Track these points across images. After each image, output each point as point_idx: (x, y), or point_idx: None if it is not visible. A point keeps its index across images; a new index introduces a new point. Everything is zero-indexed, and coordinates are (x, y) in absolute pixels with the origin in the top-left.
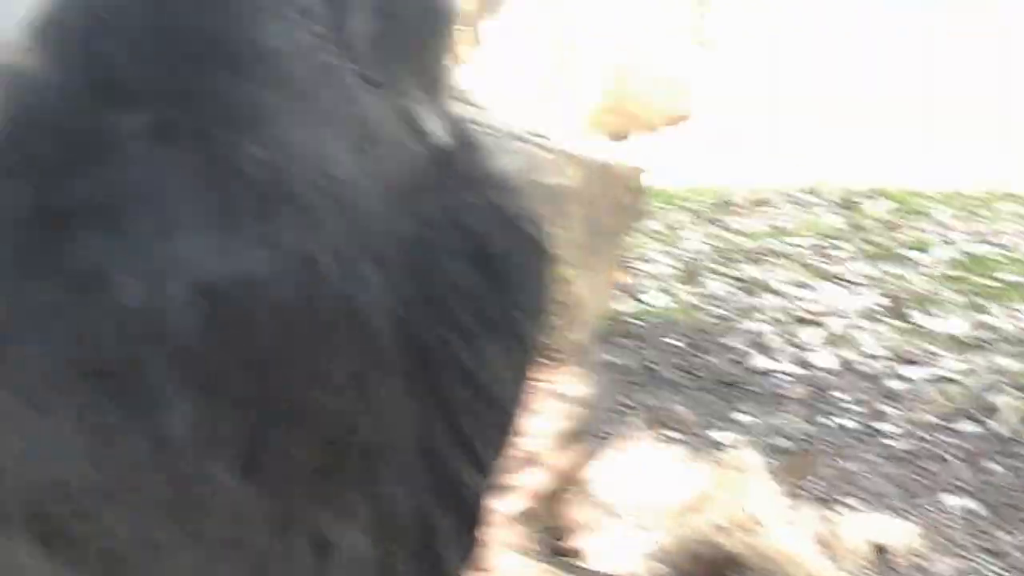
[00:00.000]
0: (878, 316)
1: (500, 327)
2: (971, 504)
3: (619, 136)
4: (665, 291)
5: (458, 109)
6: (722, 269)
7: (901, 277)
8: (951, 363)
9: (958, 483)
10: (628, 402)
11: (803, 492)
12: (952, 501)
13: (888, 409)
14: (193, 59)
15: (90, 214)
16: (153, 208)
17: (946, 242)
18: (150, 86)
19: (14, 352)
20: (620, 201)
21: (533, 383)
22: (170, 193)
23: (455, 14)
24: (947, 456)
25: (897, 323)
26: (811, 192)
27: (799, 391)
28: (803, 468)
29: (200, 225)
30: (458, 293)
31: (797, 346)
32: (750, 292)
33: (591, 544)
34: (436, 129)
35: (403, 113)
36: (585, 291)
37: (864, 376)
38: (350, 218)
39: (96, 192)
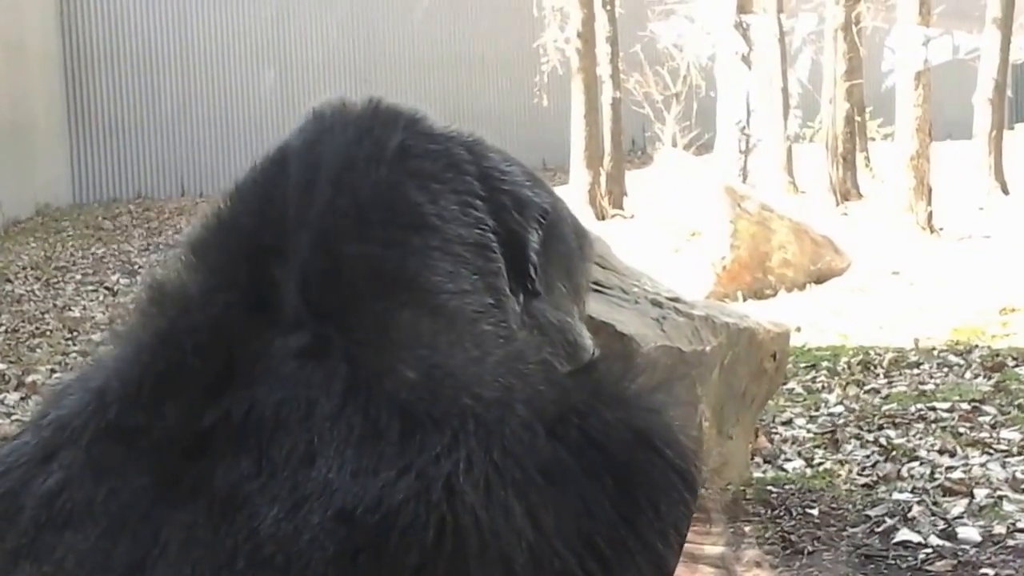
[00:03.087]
0: None
1: (638, 555)
2: None
3: (762, 294)
4: (804, 457)
5: (603, 278)
6: (864, 434)
7: None
8: None
9: None
10: (763, 575)
11: None
12: None
13: None
14: (356, 286)
15: (236, 435)
16: (297, 430)
17: None
18: (311, 309)
19: None
20: (761, 366)
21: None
22: (316, 415)
23: (593, 249)
24: None
25: None
26: (956, 352)
27: (944, 566)
28: None
29: (342, 448)
30: (596, 520)
31: (942, 517)
32: (893, 459)
33: None
34: (588, 344)
35: (560, 327)
36: (722, 456)
37: (1012, 551)
38: (495, 442)
39: (244, 413)
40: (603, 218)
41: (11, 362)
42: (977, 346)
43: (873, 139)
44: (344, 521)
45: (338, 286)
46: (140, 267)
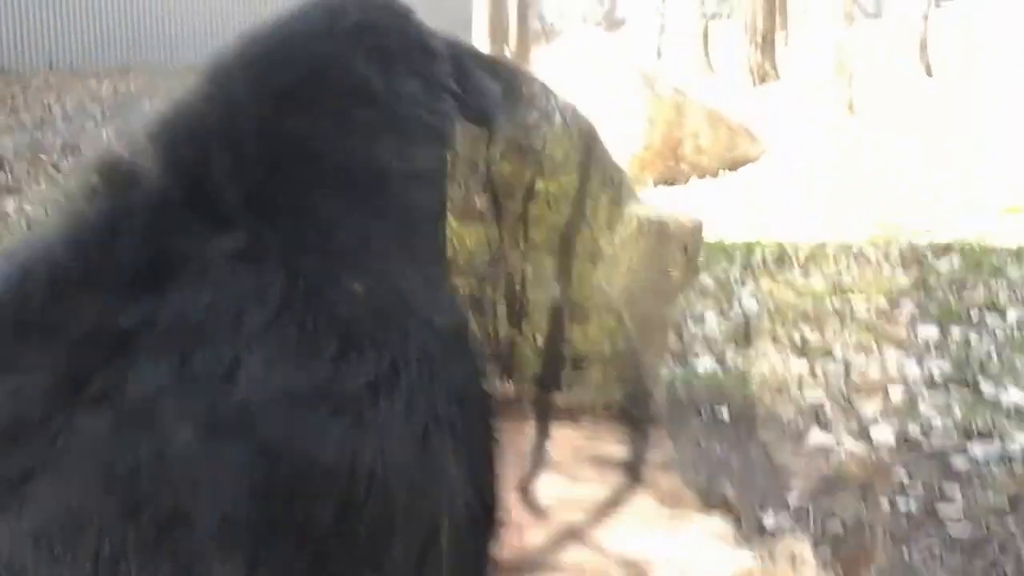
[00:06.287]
0: (943, 385)
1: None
2: None
3: (673, 181)
4: (715, 355)
5: None
6: (777, 331)
7: (969, 342)
8: (1021, 438)
9: None
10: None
11: None
12: None
13: (951, 490)
14: (302, 179)
15: (157, 339)
16: (222, 339)
17: (1019, 303)
18: (251, 206)
19: (48, 489)
20: (673, 259)
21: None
22: (245, 325)
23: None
24: (1015, 543)
25: (964, 393)
26: (876, 246)
27: (856, 467)
28: (859, 564)
29: (270, 366)
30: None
31: (856, 418)
32: (807, 357)
33: None
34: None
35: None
36: (631, 351)
37: (926, 453)
38: (440, 387)
39: (167, 315)
40: None
41: None
42: (896, 239)
43: (789, 16)
44: (264, 454)
45: (277, 174)
46: (1, 148)
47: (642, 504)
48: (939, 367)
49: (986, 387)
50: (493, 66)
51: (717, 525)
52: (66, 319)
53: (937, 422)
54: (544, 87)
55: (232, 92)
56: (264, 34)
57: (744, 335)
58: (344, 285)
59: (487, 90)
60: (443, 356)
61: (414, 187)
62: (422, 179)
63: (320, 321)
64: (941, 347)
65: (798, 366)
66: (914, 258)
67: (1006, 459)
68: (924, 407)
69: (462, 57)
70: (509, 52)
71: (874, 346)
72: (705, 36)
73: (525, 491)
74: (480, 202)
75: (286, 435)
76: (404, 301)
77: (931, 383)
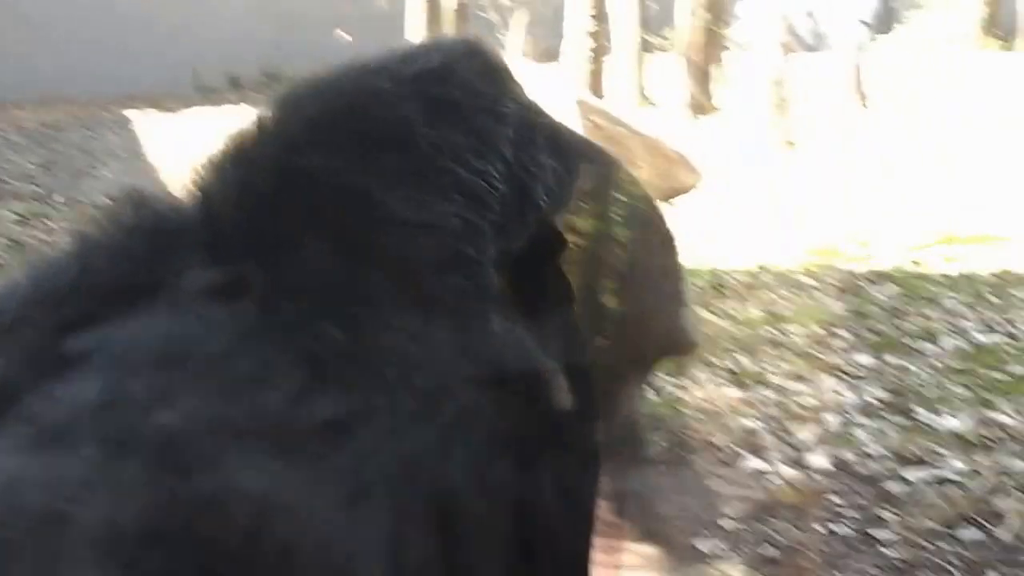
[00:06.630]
0: (878, 412)
1: None
2: None
3: None
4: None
5: None
6: (712, 359)
7: (905, 369)
8: (955, 464)
9: None
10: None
11: None
12: None
13: (886, 514)
14: (299, 215)
15: (101, 364)
16: (167, 369)
17: (954, 331)
18: (241, 235)
19: None
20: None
21: None
22: (193, 355)
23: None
24: (948, 566)
25: (899, 420)
26: (812, 274)
27: (792, 494)
28: None
29: (207, 393)
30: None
31: (790, 444)
32: (742, 385)
33: None
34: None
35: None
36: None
37: (861, 478)
38: (399, 435)
39: (121, 341)
40: None
41: None
42: (833, 267)
43: (727, 48)
44: (170, 472)
45: (275, 207)
46: None
47: None
48: (874, 394)
49: (921, 414)
50: (570, 147)
51: (651, 552)
52: (23, 338)
53: (872, 448)
54: (619, 177)
55: (273, 120)
56: (338, 68)
57: (678, 363)
58: (320, 328)
59: (540, 164)
60: (413, 418)
61: (420, 238)
62: (432, 231)
63: (284, 358)
64: (877, 375)
65: (733, 393)
66: (850, 286)
67: (940, 484)
68: (859, 433)
69: (531, 128)
70: None
71: (809, 374)
72: (642, 67)
73: None
74: None
75: (201, 460)
76: (383, 352)
77: (866, 410)
